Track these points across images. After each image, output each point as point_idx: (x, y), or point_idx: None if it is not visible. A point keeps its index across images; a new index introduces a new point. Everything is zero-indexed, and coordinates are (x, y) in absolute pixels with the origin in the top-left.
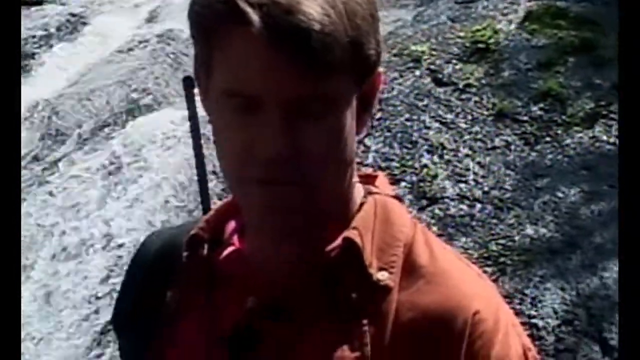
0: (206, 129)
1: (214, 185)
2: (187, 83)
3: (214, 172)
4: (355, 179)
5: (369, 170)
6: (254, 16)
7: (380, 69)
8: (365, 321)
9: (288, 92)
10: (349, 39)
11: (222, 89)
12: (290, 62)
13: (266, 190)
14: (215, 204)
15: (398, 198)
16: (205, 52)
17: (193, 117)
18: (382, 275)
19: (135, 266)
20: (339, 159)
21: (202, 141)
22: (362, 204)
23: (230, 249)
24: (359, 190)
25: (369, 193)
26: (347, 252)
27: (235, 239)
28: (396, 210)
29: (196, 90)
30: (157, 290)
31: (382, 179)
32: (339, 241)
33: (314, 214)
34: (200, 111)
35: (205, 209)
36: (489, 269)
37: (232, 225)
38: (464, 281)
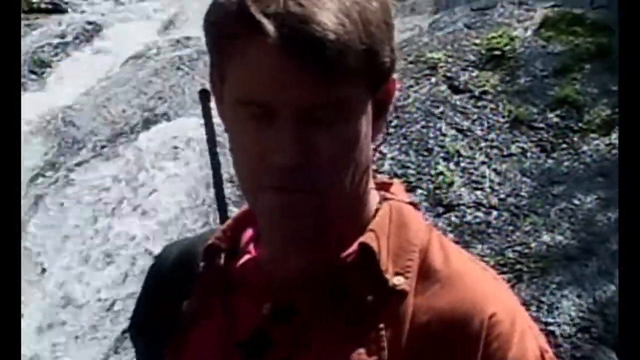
0: (222, 138)
1: (230, 192)
2: (203, 95)
3: (230, 181)
4: (371, 185)
5: (385, 178)
6: (269, 26)
7: (395, 76)
8: (381, 325)
9: (302, 101)
10: (364, 47)
11: (236, 97)
12: (305, 71)
13: (279, 197)
14: (232, 211)
15: (413, 204)
16: (220, 60)
17: (209, 130)
18: (398, 280)
19: (152, 275)
20: (353, 165)
21: (219, 149)
22: (377, 210)
23: (246, 257)
24: (374, 196)
25: (384, 199)
26: (363, 257)
27: (251, 247)
28: (411, 216)
29: (212, 102)
30: (174, 299)
31: (397, 186)
32: (354, 246)
33: (327, 221)
34: (217, 120)
35: (222, 217)
36: (505, 276)
37: (248, 233)
38: (479, 284)
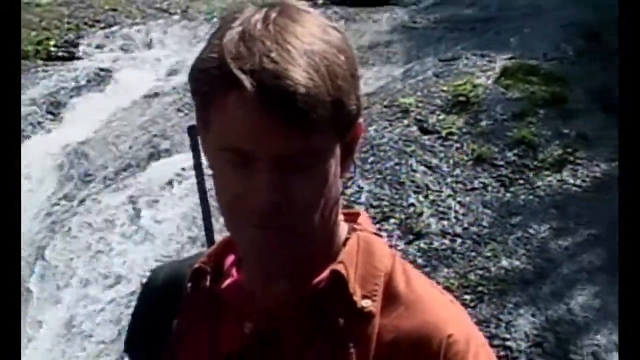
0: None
1: (218, 219)
2: (192, 131)
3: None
4: (340, 217)
5: (356, 209)
6: (247, 81)
7: (360, 120)
8: (351, 344)
9: (277, 149)
10: (331, 99)
11: (218, 145)
12: (279, 121)
13: (258, 234)
14: (219, 238)
15: (378, 234)
16: (203, 111)
17: (197, 162)
18: (365, 303)
19: (143, 296)
20: (325, 203)
21: (207, 180)
22: (346, 239)
23: (229, 280)
24: (343, 227)
25: (352, 229)
26: (334, 283)
27: (234, 270)
28: (377, 244)
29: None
30: (164, 318)
31: (363, 217)
32: (326, 273)
33: (304, 255)
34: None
35: (210, 242)
36: (468, 297)
37: (231, 258)
38: (438, 307)
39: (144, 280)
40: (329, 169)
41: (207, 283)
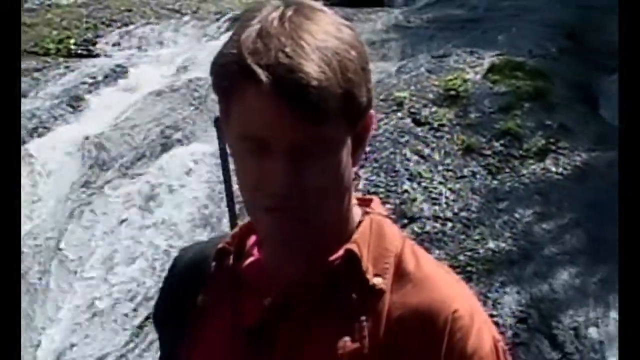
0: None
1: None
2: (217, 122)
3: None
4: (354, 202)
5: (367, 195)
6: (263, 75)
7: (371, 112)
8: (363, 318)
9: (291, 138)
10: (342, 91)
11: (237, 133)
12: (293, 112)
13: (273, 217)
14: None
15: (389, 217)
16: (224, 103)
17: (222, 149)
18: (377, 281)
19: (171, 274)
20: (336, 190)
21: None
22: (360, 222)
23: (251, 259)
24: (357, 211)
25: (365, 213)
26: (348, 262)
27: (255, 250)
28: (388, 227)
29: None
30: (190, 294)
31: (376, 202)
32: (341, 252)
33: (315, 236)
34: None
35: (233, 224)
36: (458, 277)
37: (252, 239)
38: (444, 285)
39: (160, 262)
40: (340, 157)
41: (230, 262)
